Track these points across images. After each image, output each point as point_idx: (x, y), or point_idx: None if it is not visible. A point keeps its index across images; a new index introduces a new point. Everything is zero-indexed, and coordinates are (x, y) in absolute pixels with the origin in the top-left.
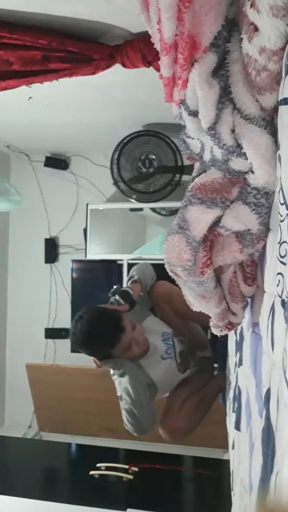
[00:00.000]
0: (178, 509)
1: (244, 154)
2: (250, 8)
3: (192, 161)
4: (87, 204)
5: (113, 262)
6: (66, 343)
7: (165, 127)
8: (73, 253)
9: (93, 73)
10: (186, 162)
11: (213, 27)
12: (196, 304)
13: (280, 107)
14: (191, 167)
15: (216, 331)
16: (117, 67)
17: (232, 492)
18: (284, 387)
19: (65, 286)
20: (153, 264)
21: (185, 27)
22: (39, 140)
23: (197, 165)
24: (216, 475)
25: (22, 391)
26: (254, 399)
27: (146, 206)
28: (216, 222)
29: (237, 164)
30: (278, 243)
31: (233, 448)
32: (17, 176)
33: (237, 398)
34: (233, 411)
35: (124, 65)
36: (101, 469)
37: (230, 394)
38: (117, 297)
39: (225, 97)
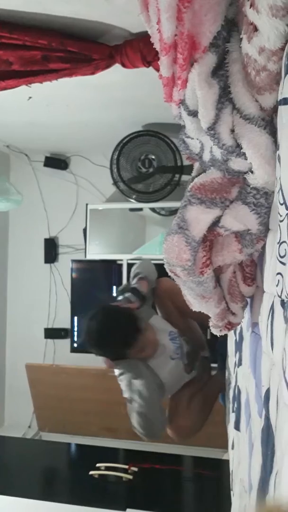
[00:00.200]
0: (178, 509)
1: (244, 154)
2: (250, 8)
3: (192, 161)
4: (86, 204)
5: (113, 262)
6: (65, 343)
7: (164, 127)
8: (73, 253)
9: (93, 73)
10: (186, 162)
11: (212, 27)
12: (195, 304)
13: (279, 107)
14: (190, 167)
15: (215, 331)
16: (116, 67)
17: (231, 492)
18: (284, 387)
19: (65, 286)
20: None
21: (184, 27)
22: (39, 140)
23: (196, 165)
24: (215, 475)
25: (22, 391)
26: (253, 399)
27: (145, 206)
28: (216, 222)
29: (236, 164)
30: (278, 243)
31: (232, 448)
32: (17, 176)
33: (237, 398)
34: (233, 411)
35: (123, 65)
36: (101, 469)
37: (230, 394)
38: (127, 294)
39: (225, 97)
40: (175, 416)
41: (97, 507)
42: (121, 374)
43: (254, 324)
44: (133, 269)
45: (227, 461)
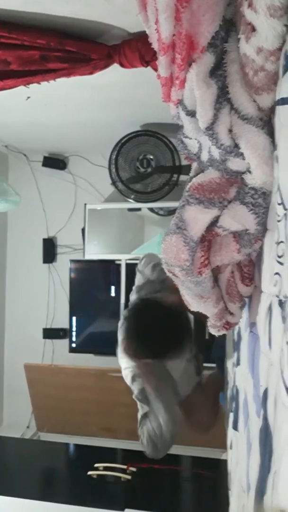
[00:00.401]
0: (176, 509)
1: (242, 154)
2: (248, 8)
3: (190, 161)
4: (85, 204)
5: (111, 262)
6: (64, 343)
7: (163, 127)
8: (71, 253)
9: (91, 73)
10: (184, 162)
11: (210, 27)
12: (193, 304)
13: (277, 107)
14: (188, 167)
15: (213, 331)
16: (115, 67)
17: (229, 492)
18: (282, 387)
19: (63, 286)
20: None
21: (182, 27)
22: (37, 140)
23: (194, 165)
24: (214, 475)
25: (21, 391)
26: (251, 399)
27: (144, 206)
28: (214, 222)
29: (234, 164)
30: (276, 243)
31: (231, 448)
32: (15, 176)
33: (235, 398)
34: (231, 411)
35: (122, 65)
36: (99, 469)
37: (228, 394)
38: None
39: (223, 97)
40: (193, 415)
41: (95, 507)
42: (137, 376)
43: (252, 324)
44: (144, 260)
45: (225, 461)
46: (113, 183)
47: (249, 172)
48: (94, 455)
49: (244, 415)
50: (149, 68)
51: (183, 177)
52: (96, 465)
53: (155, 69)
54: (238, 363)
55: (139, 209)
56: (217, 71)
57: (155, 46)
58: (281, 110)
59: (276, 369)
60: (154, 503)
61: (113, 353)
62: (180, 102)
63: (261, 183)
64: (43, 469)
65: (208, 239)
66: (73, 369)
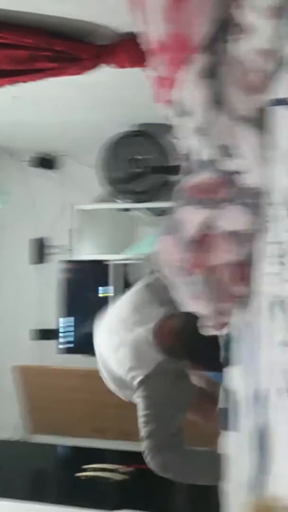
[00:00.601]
0: (171, 509)
1: (234, 154)
2: (240, 9)
3: (182, 161)
4: (74, 205)
5: (101, 262)
6: (52, 344)
7: (153, 127)
8: (61, 253)
9: (80, 73)
10: (176, 162)
11: (203, 28)
12: (187, 304)
13: (270, 107)
14: (180, 168)
15: (205, 331)
16: (104, 67)
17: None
18: (272, 386)
19: (52, 287)
20: None
21: (174, 28)
22: (26, 140)
23: (186, 166)
24: None
25: (8, 393)
26: (250, 399)
27: (134, 206)
28: (207, 222)
29: (227, 164)
30: (267, 243)
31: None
32: (3, 176)
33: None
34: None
35: (111, 65)
36: (89, 470)
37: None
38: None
39: (215, 97)
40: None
41: (85, 508)
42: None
43: (248, 324)
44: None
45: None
46: (102, 183)
47: (242, 172)
48: (85, 456)
49: (242, 415)
50: (139, 68)
51: (174, 178)
52: (86, 466)
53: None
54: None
55: (128, 210)
56: (209, 72)
57: (147, 46)
58: (274, 111)
59: (274, 369)
60: (148, 504)
61: None
62: (171, 103)
63: (252, 183)
64: (32, 471)
65: (200, 239)
66: (62, 370)
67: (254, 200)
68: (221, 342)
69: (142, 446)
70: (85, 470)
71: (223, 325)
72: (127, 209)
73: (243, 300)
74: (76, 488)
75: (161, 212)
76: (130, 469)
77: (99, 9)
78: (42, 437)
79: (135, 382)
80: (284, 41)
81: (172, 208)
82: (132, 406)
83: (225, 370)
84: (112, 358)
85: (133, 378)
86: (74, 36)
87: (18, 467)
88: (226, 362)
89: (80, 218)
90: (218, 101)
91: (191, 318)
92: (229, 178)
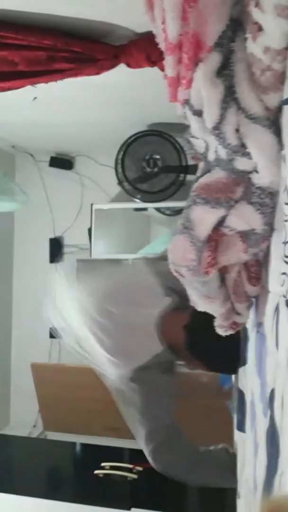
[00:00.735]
0: (183, 508)
1: (249, 153)
2: (255, 7)
3: (197, 160)
4: (91, 204)
5: (118, 261)
6: None
7: (169, 127)
8: (78, 253)
9: (98, 73)
10: (191, 162)
11: (217, 27)
12: (200, 304)
13: (284, 106)
14: (195, 167)
15: (220, 331)
16: (121, 67)
17: (237, 493)
18: None
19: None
20: None
21: (189, 27)
22: (44, 140)
23: (201, 165)
24: None
25: (27, 391)
26: (258, 399)
27: (150, 206)
28: (221, 222)
29: (241, 163)
30: (283, 243)
31: (236, 449)
32: (22, 176)
33: (240, 398)
34: (236, 412)
35: (128, 65)
36: (106, 468)
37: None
38: None
39: (230, 96)
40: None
41: (101, 506)
42: None
43: (259, 324)
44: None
45: None
46: (120, 183)
47: (256, 171)
48: (101, 454)
49: (251, 416)
50: (155, 68)
51: (189, 177)
52: (102, 464)
53: (162, 69)
54: (244, 363)
55: (145, 209)
56: (224, 71)
57: (162, 46)
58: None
59: (283, 370)
60: (161, 503)
61: None
62: (187, 102)
63: (268, 182)
64: (49, 468)
65: (215, 239)
66: (80, 368)
67: (269, 200)
68: (237, 344)
69: (140, 445)
70: (103, 468)
71: (238, 325)
72: (143, 209)
73: (258, 300)
74: (93, 486)
75: (177, 212)
76: (144, 468)
77: (113, 9)
78: (59, 435)
79: (128, 372)
80: None
81: (186, 207)
82: None
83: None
84: (96, 330)
85: (125, 365)
86: (91, 37)
87: (35, 464)
88: (240, 363)
89: (98, 217)
90: (233, 100)
91: (204, 317)
92: (244, 178)
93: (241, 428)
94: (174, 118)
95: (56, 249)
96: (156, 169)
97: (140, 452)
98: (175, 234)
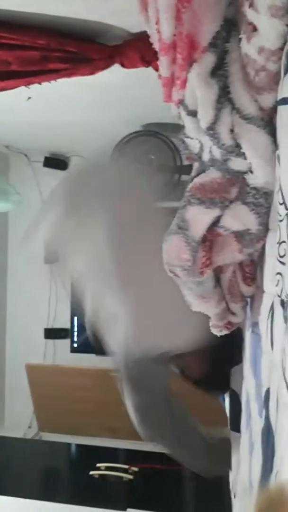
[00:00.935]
0: (179, 509)
1: (243, 153)
2: (249, 8)
3: (191, 161)
4: None
5: None
6: (65, 343)
7: (164, 127)
8: None
9: (92, 73)
10: (185, 162)
11: (212, 27)
12: (195, 304)
13: (278, 107)
14: (190, 167)
15: (215, 331)
16: (116, 67)
17: (232, 493)
18: (283, 387)
19: (65, 286)
20: None
21: (183, 27)
22: (38, 141)
23: (196, 165)
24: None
25: (22, 392)
26: (253, 399)
27: None
28: (215, 222)
29: (236, 164)
30: (278, 242)
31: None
32: (16, 176)
33: (233, 398)
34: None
35: (123, 65)
36: (101, 469)
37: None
38: None
39: (224, 97)
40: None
41: (97, 507)
42: None
43: (254, 324)
44: None
45: None
46: None
47: (251, 172)
48: (96, 455)
49: (246, 416)
50: (150, 68)
51: (184, 177)
52: (98, 465)
53: (156, 69)
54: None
55: None
56: (218, 71)
57: (156, 46)
58: (282, 110)
59: (278, 369)
60: (157, 503)
61: None
62: (181, 102)
63: (262, 183)
64: (45, 469)
65: (210, 239)
66: (75, 369)
67: (264, 200)
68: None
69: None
70: (98, 468)
71: (233, 325)
72: None
73: (252, 300)
74: (88, 487)
75: (172, 212)
76: (139, 468)
77: (107, 9)
78: (54, 436)
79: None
80: None
81: (181, 207)
82: None
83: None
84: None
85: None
86: (85, 37)
87: (30, 466)
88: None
89: None
90: (228, 100)
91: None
92: (238, 178)
93: (235, 428)
94: (169, 118)
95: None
96: (151, 170)
97: (135, 452)
98: (170, 234)
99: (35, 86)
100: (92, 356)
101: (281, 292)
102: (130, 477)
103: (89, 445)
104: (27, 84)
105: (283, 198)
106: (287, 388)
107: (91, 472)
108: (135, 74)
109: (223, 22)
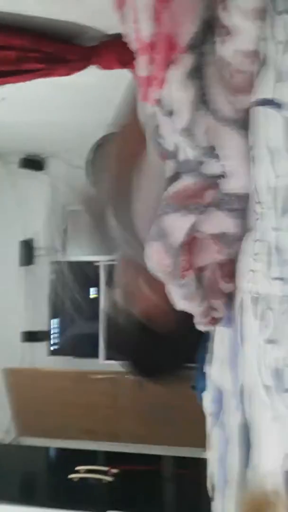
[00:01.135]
0: (159, 509)
1: (217, 156)
2: (223, 11)
3: (164, 158)
4: (64, 206)
5: (91, 263)
6: (43, 346)
7: None
8: (50, 255)
9: (69, 74)
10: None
11: (191, 28)
12: (179, 304)
13: (253, 108)
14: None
15: (200, 327)
16: (92, 68)
17: (210, 491)
18: (259, 385)
19: (42, 288)
20: None
21: (162, 27)
22: (14, 141)
23: (170, 164)
24: (196, 474)
25: None
26: (231, 394)
27: None
28: (194, 228)
29: (209, 167)
30: (254, 240)
31: (210, 446)
32: None
33: (214, 395)
34: (210, 409)
35: (99, 67)
36: (81, 472)
37: (209, 391)
38: None
39: (200, 98)
40: None
41: (77, 510)
42: None
43: (231, 320)
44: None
45: (206, 460)
46: (90, 184)
47: (224, 176)
48: (75, 458)
49: (224, 411)
50: (127, 69)
51: None
52: (77, 468)
53: (133, 71)
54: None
55: None
56: (196, 73)
57: (132, 46)
58: (256, 111)
59: (252, 367)
60: (137, 504)
61: (93, 355)
62: (157, 102)
63: (236, 187)
64: (23, 474)
65: (189, 243)
66: (53, 372)
67: (239, 204)
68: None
69: None
70: (77, 471)
71: (217, 320)
72: None
73: (231, 297)
74: (68, 490)
75: None
76: (119, 470)
77: (83, 10)
78: (33, 440)
79: None
80: (267, 42)
81: (157, 216)
82: (121, 408)
83: (207, 366)
84: None
85: None
86: (62, 38)
87: (9, 470)
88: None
89: (71, 219)
90: (204, 102)
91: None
92: (214, 182)
93: (214, 423)
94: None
95: (26, 251)
96: None
97: (115, 454)
98: (150, 241)
99: (11, 86)
100: (70, 359)
101: (261, 289)
102: (110, 479)
103: (68, 448)
104: (2, 84)
105: (258, 197)
106: (262, 386)
107: (70, 476)
108: (112, 75)
109: (202, 24)
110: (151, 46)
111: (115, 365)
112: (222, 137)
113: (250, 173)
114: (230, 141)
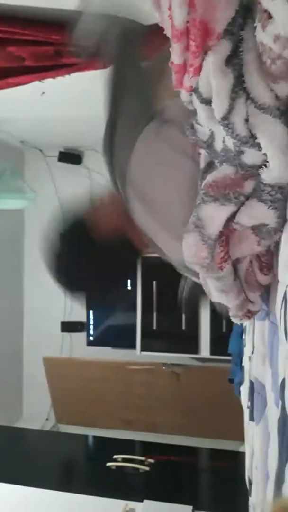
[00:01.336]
0: (194, 500)
1: (258, 144)
2: None
3: (198, 148)
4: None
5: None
6: (82, 336)
7: None
8: None
9: (106, 67)
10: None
11: (226, 13)
12: (215, 296)
13: None
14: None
15: (236, 320)
16: None
17: (247, 484)
18: None
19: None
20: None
21: (197, 13)
22: (53, 135)
23: (203, 153)
24: (232, 467)
25: (40, 384)
26: (270, 389)
27: None
28: (231, 218)
29: (250, 156)
30: None
31: (248, 439)
32: (32, 171)
33: (251, 389)
34: (248, 403)
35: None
36: (118, 460)
37: (246, 385)
38: None
39: (239, 86)
40: None
41: (114, 498)
42: None
43: (271, 313)
44: None
45: (243, 453)
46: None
47: (265, 166)
48: (113, 447)
49: (262, 406)
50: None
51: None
52: (114, 456)
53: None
54: (253, 352)
55: None
56: (234, 60)
57: (168, 33)
58: None
59: None
60: (173, 495)
61: (130, 346)
62: (194, 90)
63: (277, 177)
64: (62, 461)
65: (227, 234)
66: (91, 362)
67: (280, 195)
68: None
69: None
70: (115, 460)
71: (253, 312)
72: None
73: (270, 289)
74: (105, 478)
75: None
76: (155, 460)
77: (120, 3)
78: (71, 428)
79: None
80: None
81: (196, 205)
82: (158, 399)
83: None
84: None
85: None
86: None
87: (48, 457)
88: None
89: None
90: (243, 89)
91: None
92: (252, 173)
93: (252, 417)
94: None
95: None
96: None
97: (151, 444)
98: (187, 232)
99: (49, 81)
100: (108, 349)
101: None
102: (147, 468)
103: (106, 437)
104: (41, 79)
105: None
106: None
107: (108, 464)
108: None
109: (239, 8)
110: (186, 33)
111: (153, 356)
112: (263, 125)
113: None
114: (271, 129)
